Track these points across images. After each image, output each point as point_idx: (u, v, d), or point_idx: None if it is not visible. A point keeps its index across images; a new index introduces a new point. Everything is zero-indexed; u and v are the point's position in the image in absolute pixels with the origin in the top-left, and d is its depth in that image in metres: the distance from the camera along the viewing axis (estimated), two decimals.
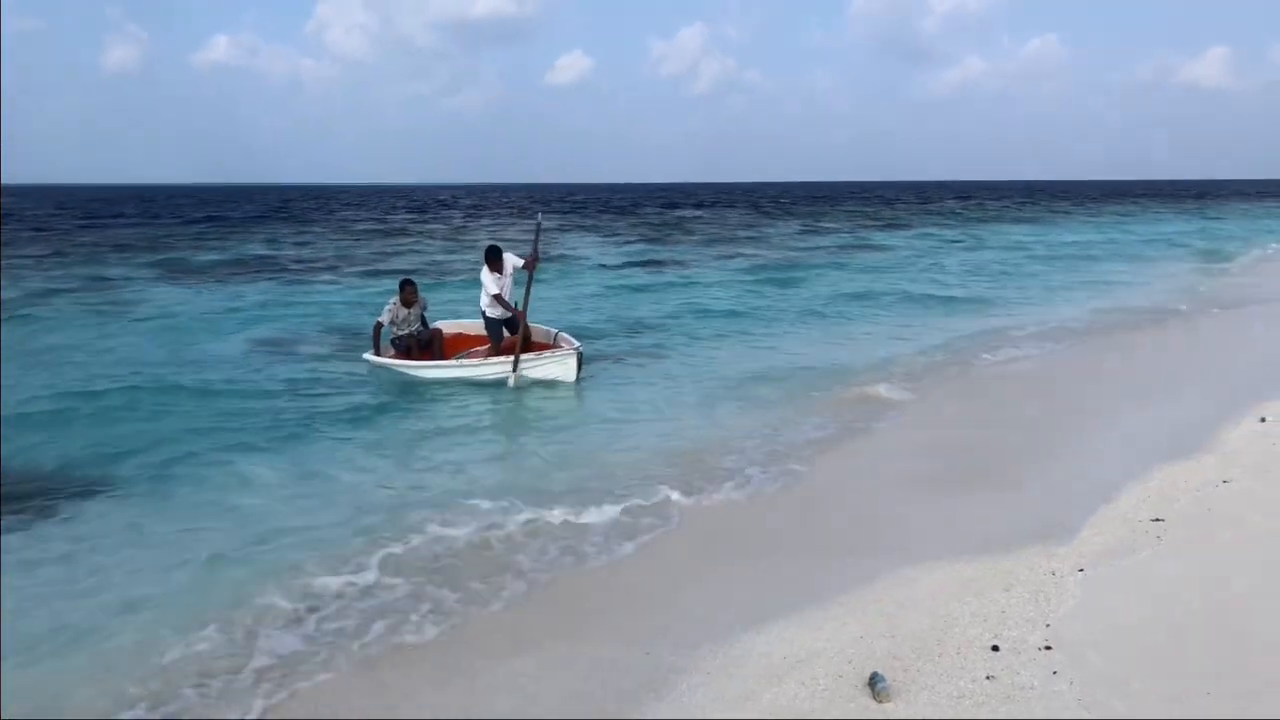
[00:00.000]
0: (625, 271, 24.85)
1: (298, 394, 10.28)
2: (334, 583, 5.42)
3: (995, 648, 4.33)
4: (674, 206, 70.75)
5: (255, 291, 20.06)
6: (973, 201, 79.76)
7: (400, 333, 11.63)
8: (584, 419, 9.39)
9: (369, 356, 11.43)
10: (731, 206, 71.17)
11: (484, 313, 11.62)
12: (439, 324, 12.19)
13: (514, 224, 47.17)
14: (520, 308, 11.24)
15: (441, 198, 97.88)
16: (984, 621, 4.61)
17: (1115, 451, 7.58)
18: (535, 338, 11.56)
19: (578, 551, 5.91)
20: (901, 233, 40.70)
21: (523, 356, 10.73)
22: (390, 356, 11.48)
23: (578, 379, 10.65)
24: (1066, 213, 59.14)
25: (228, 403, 9.85)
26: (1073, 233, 40.03)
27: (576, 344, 11.05)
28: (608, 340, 13.96)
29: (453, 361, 11.45)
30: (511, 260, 11.46)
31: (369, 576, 5.50)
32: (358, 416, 9.37)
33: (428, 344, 11.69)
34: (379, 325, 11.56)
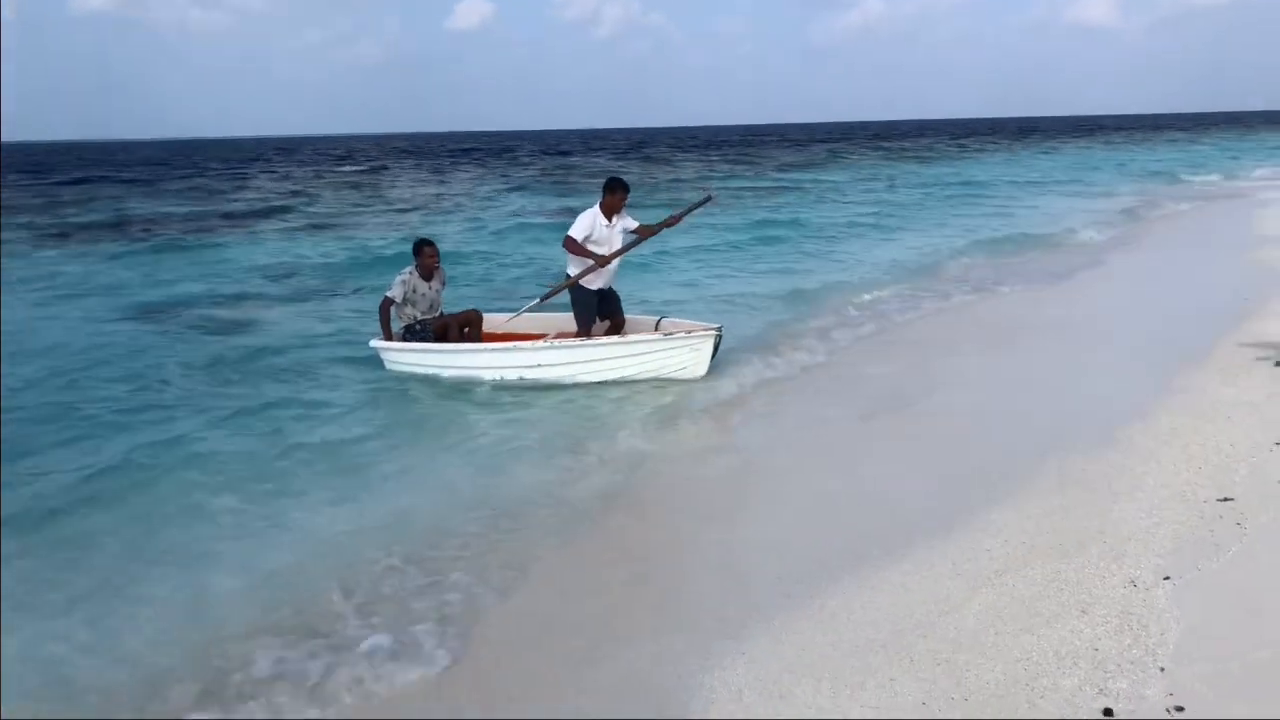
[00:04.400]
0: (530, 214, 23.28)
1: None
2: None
3: (1109, 711, 3.21)
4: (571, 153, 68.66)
5: (154, 255, 17.85)
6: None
7: (422, 316, 8.40)
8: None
9: (378, 344, 8.48)
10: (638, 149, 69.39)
11: (570, 279, 8.16)
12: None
13: (429, 176, 44.73)
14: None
15: (336, 150, 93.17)
16: (1075, 665, 3.49)
17: (1117, 410, 6.54)
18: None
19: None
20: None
21: (645, 338, 7.89)
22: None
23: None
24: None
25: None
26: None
27: (716, 325, 7.92)
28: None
29: (541, 344, 8.01)
30: (627, 218, 8.16)
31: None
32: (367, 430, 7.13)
33: (464, 327, 8.55)
34: (389, 302, 8.36)
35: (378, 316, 8.48)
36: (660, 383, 7.82)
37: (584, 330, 8.17)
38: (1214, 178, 30.01)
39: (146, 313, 11.94)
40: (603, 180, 8.20)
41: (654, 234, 8.19)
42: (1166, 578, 4.06)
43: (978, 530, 4.75)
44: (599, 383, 7.88)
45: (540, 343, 8.08)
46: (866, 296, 11.35)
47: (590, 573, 4.70)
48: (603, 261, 7.99)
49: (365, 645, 4.01)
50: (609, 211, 8.05)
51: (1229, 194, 23.87)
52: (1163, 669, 3.41)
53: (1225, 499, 4.83)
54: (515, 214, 24.65)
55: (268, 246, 18.88)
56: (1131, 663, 3.47)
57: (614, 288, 8.34)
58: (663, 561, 4.82)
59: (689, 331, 7.86)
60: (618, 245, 8.09)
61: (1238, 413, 6.20)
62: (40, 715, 3.60)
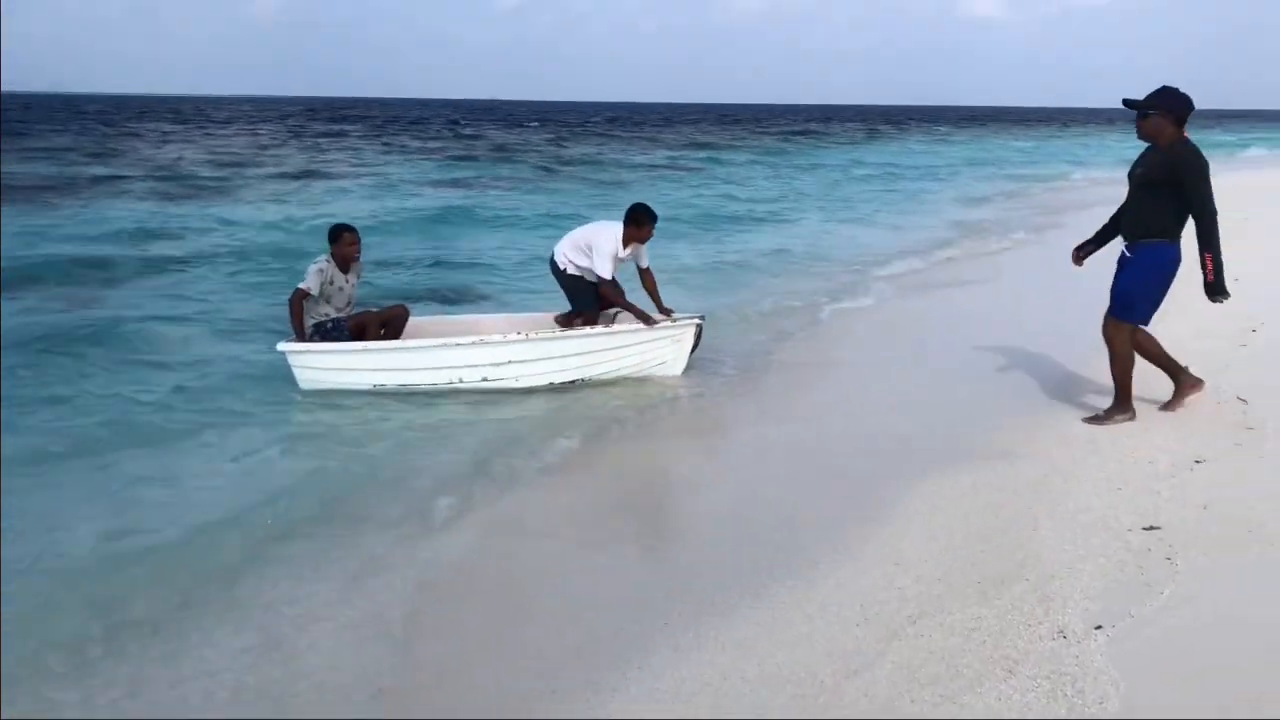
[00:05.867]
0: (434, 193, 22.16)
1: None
2: None
3: None
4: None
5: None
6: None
7: (336, 313, 7.16)
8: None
9: (289, 347, 6.92)
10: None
11: (578, 273, 7.45)
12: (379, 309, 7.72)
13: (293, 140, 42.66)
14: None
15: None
16: None
17: (1031, 417, 6.15)
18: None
19: None
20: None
21: (630, 328, 7.14)
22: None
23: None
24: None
25: None
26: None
27: (698, 315, 7.36)
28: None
29: (513, 336, 6.94)
30: (642, 250, 7.44)
31: None
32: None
33: (384, 325, 7.45)
34: (303, 296, 6.97)
35: (288, 309, 7.01)
36: (592, 386, 7.10)
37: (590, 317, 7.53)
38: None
39: None
40: (626, 206, 7.49)
41: (645, 324, 7.17)
42: (1098, 627, 3.58)
43: (888, 562, 4.22)
44: (570, 382, 7.09)
45: (512, 335, 6.99)
46: (770, 293, 10.81)
47: (436, 615, 4.01)
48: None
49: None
50: (629, 241, 7.37)
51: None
52: None
53: (1151, 527, 4.40)
54: (414, 193, 23.28)
55: (132, 213, 17.38)
56: None
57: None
58: (529, 602, 4.13)
59: (674, 321, 7.16)
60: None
61: (1154, 423, 5.85)
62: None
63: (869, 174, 30.34)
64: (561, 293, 7.68)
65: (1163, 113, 5.51)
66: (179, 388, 7.12)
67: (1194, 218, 5.47)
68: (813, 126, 73.42)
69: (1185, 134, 5.55)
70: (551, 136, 52.84)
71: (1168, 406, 6.05)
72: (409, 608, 4.09)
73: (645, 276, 7.59)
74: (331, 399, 6.87)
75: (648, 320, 7.14)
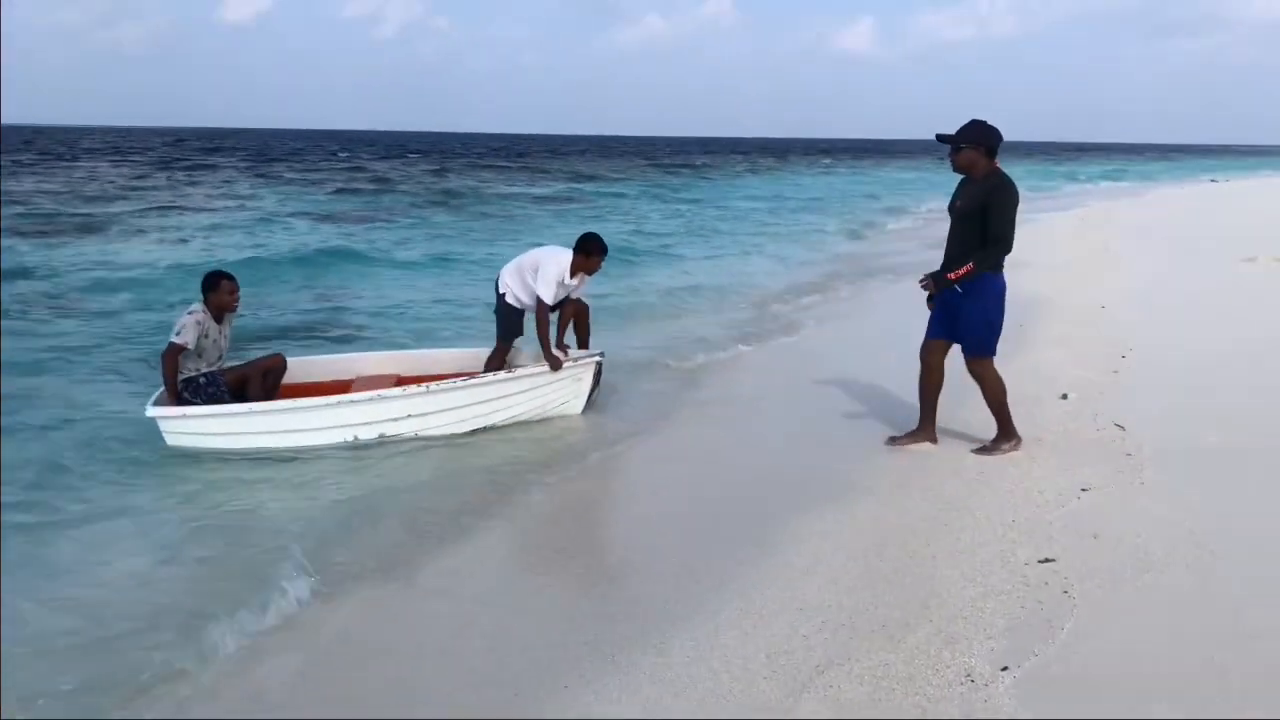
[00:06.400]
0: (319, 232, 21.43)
1: None
2: None
3: None
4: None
5: None
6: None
7: (208, 366, 6.66)
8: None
9: (162, 412, 6.41)
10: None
11: (514, 303, 7.43)
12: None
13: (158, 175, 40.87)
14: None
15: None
16: None
17: (923, 450, 6.22)
18: (453, 365, 7.52)
19: None
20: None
21: (531, 371, 6.94)
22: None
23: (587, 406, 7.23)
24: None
25: None
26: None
27: (597, 352, 7.33)
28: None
29: (413, 389, 6.63)
30: (577, 287, 7.47)
31: None
32: None
33: (264, 377, 6.93)
34: (178, 349, 6.46)
35: (161, 366, 6.49)
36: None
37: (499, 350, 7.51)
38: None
39: None
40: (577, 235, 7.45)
41: (551, 365, 6.92)
42: (1004, 668, 3.56)
43: (792, 608, 4.12)
44: (473, 431, 6.82)
45: (411, 388, 6.66)
46: (667, 330, 10.67)
47: (322, 686, 3.69)
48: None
49: None
50: (576, 271, 7.30)
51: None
52: None
53: (1046, 560, 4.45)
54: (290, 226, 22.47)
55: None
56: None
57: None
58: (420, 668, 3.85)
59: (573, 360, 7.07)
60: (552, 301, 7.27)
61: (1039, 453, 5.97)
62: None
63: (755, 207, 30.89)
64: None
65: (974, 146, 5.66)
66: (32, 454, 6.44)
67: (988, 239, 5.55)
68: (696, 159, 74.62)
69: (997, 165, 5.72)
70: (435, 168, 52.18)
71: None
72: (291, 680, 3.77)
73: (567, 306, 7.49)
74: (207, 463, 6.37)
75: (555, 363, 6.95)
